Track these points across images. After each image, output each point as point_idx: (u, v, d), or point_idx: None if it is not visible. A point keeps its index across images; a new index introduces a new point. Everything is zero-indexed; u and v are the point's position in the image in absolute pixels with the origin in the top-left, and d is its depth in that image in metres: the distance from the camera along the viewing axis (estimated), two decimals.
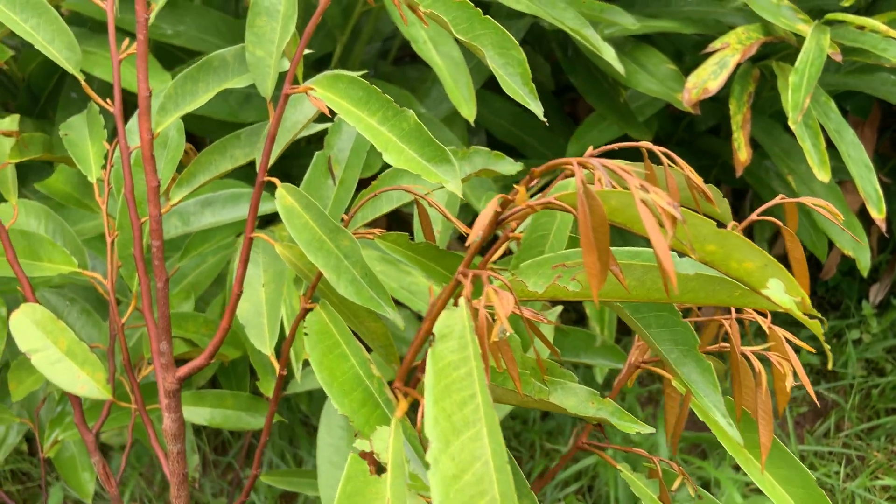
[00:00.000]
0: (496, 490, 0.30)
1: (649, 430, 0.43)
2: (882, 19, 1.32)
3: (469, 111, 0.98)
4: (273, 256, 0.68)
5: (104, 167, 0.68)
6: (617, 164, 0.33)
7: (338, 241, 0.53)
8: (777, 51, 1.45)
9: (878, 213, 1.21)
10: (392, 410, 0.45)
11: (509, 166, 0.61)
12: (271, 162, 0.58)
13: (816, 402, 0.52)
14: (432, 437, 0.31)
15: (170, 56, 1.29)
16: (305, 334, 0.51)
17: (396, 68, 1.59)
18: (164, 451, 0.68)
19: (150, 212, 0.59)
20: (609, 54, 1.08)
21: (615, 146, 0.58)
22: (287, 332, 0.77)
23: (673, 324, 0.44)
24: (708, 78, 1.22)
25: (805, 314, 0.37)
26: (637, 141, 1.53)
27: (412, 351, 0.46)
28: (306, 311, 0.59)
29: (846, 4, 1.28)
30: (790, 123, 1.17)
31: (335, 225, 0.53)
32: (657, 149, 0.52)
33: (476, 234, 0.34)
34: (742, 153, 1.25)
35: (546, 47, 1.53)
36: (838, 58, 1.24)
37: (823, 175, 1.21)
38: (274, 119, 0.57)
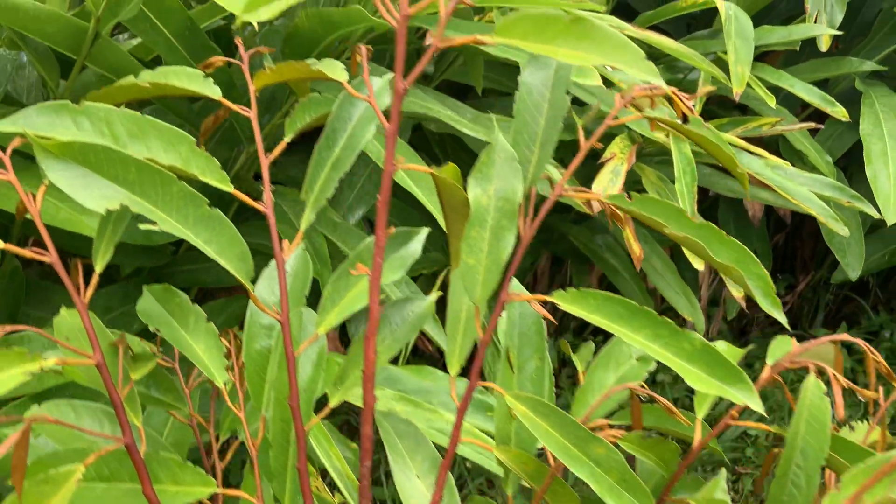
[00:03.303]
0: None
1: None
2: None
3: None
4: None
5: (230, 368, 0.62)
6: None
7: (588, 450, 0.55)
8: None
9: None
10: None
11: None
12: None
13: None
14: None
15: None
16: None
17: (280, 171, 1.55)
18: None
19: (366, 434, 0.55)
20: None
21: None
22: None
23: None
24: (608, 185, 1.36)
25: None
26: None
27: None
28: None
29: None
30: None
31: (586, 433, 0.55)
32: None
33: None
34: (636, 248, 1.41)
35: (428, 146, 1.59)
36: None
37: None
38: (489, 327, 0.57)
